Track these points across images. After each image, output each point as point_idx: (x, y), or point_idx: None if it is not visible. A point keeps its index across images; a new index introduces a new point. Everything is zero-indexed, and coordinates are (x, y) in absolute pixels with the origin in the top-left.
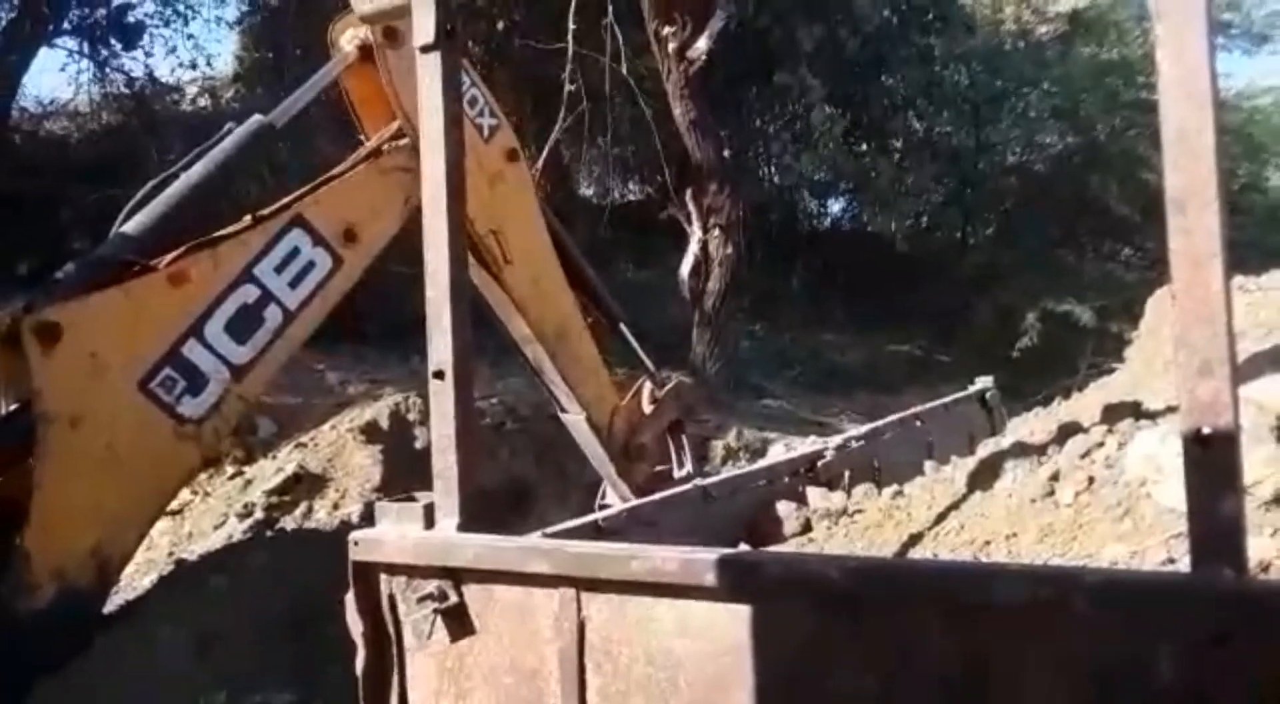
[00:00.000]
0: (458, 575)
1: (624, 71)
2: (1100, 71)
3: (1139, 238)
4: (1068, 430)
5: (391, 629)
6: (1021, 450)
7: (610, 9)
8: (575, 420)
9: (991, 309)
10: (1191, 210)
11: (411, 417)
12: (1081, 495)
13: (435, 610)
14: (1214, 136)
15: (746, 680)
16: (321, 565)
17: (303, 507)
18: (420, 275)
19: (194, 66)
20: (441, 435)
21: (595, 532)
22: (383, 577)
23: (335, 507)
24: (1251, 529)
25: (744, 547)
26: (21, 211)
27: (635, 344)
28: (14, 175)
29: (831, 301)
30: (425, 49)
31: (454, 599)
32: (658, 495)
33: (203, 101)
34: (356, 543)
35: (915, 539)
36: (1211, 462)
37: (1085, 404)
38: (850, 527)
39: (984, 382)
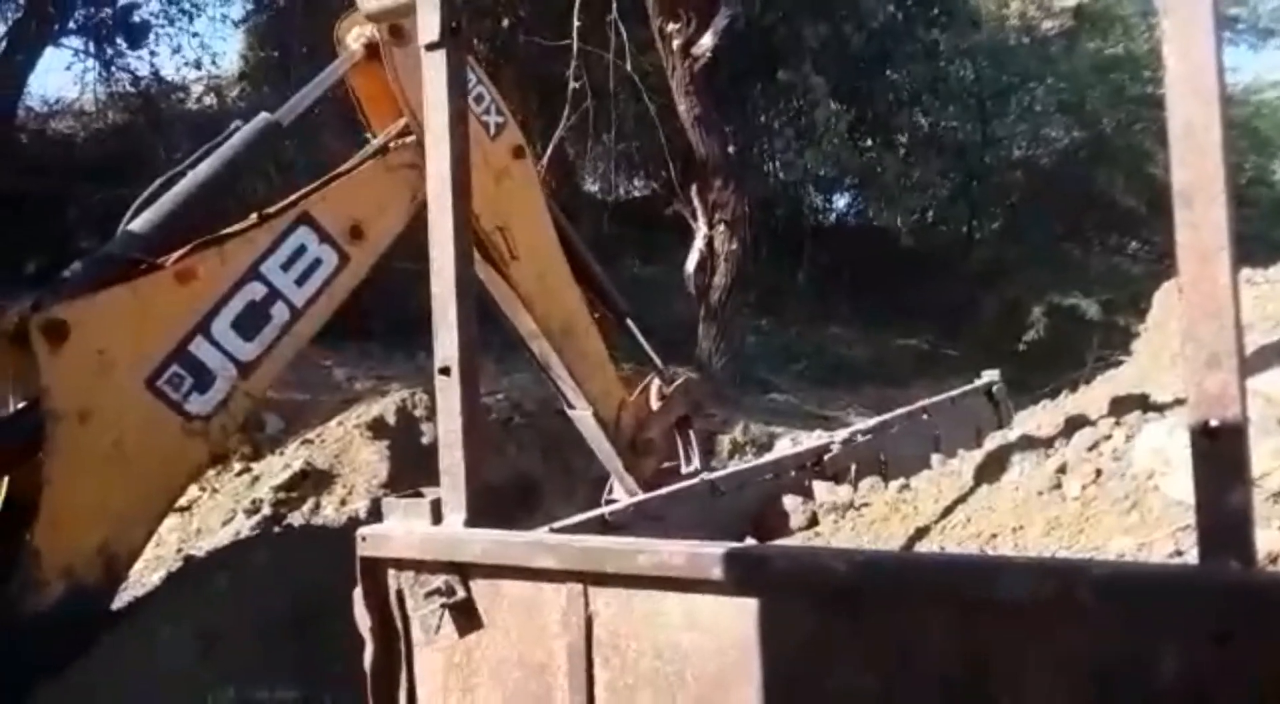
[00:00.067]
0: (465, 570)
1: (628, 68)
2: (1106, 66)
3: (1145, 231)
4: (1075, 423)
5: (399, 624)
6: (1028, 443)
7: (615, 6)
8: (582, 416)
9: (998, 303)
10: (1199, 204)
11: (418, 412)
12: (1089, 488)
13: (443, 605)
14: (1221, 131)
15: (754, 674)
16: (329, 561)
17: (310, 503)
18: (426, 272)
19: (199, 65)
20: (448, 431)
21: (602, 526)
22: (390, 572)
23: (342, 503)
24: (1259, 522)
25: (750, 541)
26: (28, 210)
27: (642, 339)
28: (20, 174)
29: (837, 296)
30: (430, 46)
31: (461, 594)
32: (664, 490)
33: (208, 100)
34: (364, 538)
35: (922, 533)
36: (1219, 454)
37: (1092, 397)
38: (857, 520)
39: (990, 375)
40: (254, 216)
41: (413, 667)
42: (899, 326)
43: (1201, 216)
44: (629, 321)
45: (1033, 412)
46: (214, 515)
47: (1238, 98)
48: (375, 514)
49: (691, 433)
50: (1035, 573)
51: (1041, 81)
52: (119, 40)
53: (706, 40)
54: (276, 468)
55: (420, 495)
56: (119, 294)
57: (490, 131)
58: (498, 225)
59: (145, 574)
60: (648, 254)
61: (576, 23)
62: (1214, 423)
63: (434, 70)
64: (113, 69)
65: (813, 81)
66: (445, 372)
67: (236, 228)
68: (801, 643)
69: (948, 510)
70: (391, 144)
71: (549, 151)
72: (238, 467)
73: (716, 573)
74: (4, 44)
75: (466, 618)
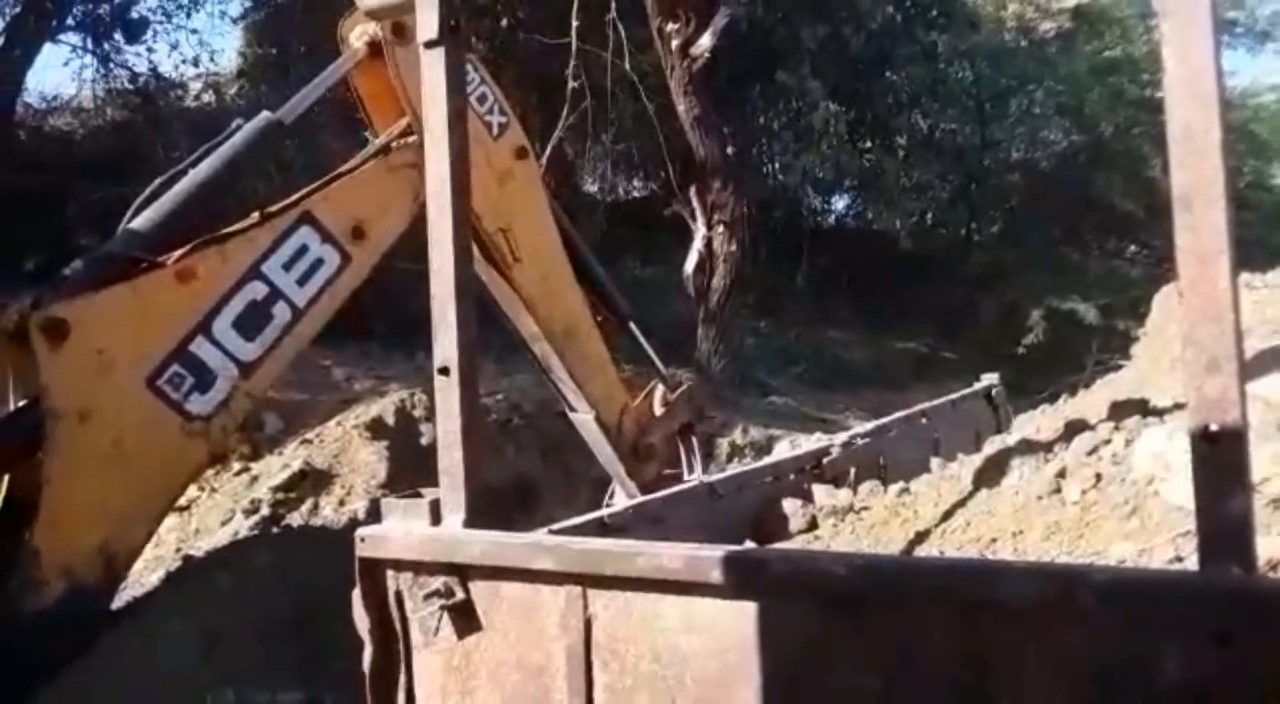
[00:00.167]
0: (464, 572)
1: (627, 68)
2: (1104, 69)
3: (1144, 235)
4: (1074, 428)
5: (398, 626)
6: (1028, 448)
7: (614, 5)
8: (584, 419)
9: (997, 306)
10: (1198, 207)
11: (417, 413)
12: (1088, 493)
13: (442, 607)
14: (1220, 134)
15: (752, 677)
16: (327, 562)
17: (309, 503)
18: (426, 272)
19: (197, 62)
20: (447, 432)
21: (601, 528)
22: (389, 573)
23: (341, 503)
24: (1260, 527)
25: (750, 544)
26: (27, 208)
27: (645, 343)
28: (19, 171)
29: (836, 299)
30: (429, 44)
31: (460, 596)
32: (663, 492)
33: (207, 97)
34: (363, 539)
35: (921, 537)
36: (1219, 459)
37: (1092, 401)
38: (856, 524)
39: (990, 379)
40: (255, 216)
41: (411, 668)
42: (898, 329)
43: (1201, 220)
44: (631, 325)
45: (1032, 416)
46: (213, 515)
47: (1235, 102)
48: (374, 515)
49: (694, 440)
50: (1035, 578)
51: (1040, 84)
52: (117, 36)
53: (705, 40)
54: (275, 468)
55: (419, 496)
56: (119, 293)
57: (493, 131)
58: (500, 227)
59: (144, 574)
60: (646, 255)
61: (575, 22)
62: (1214, 427)
63: (433, 68)
64: (111, 65)
65: (809, 84)
66: (444, 372)
67: (238, 227)
68: (800, 646)
69: (947, 514)
70: (394, 143)
71: (548, 152)
72: (236, 466)
73: (715, 576)
74: (2, 40)
75: (465, 620)
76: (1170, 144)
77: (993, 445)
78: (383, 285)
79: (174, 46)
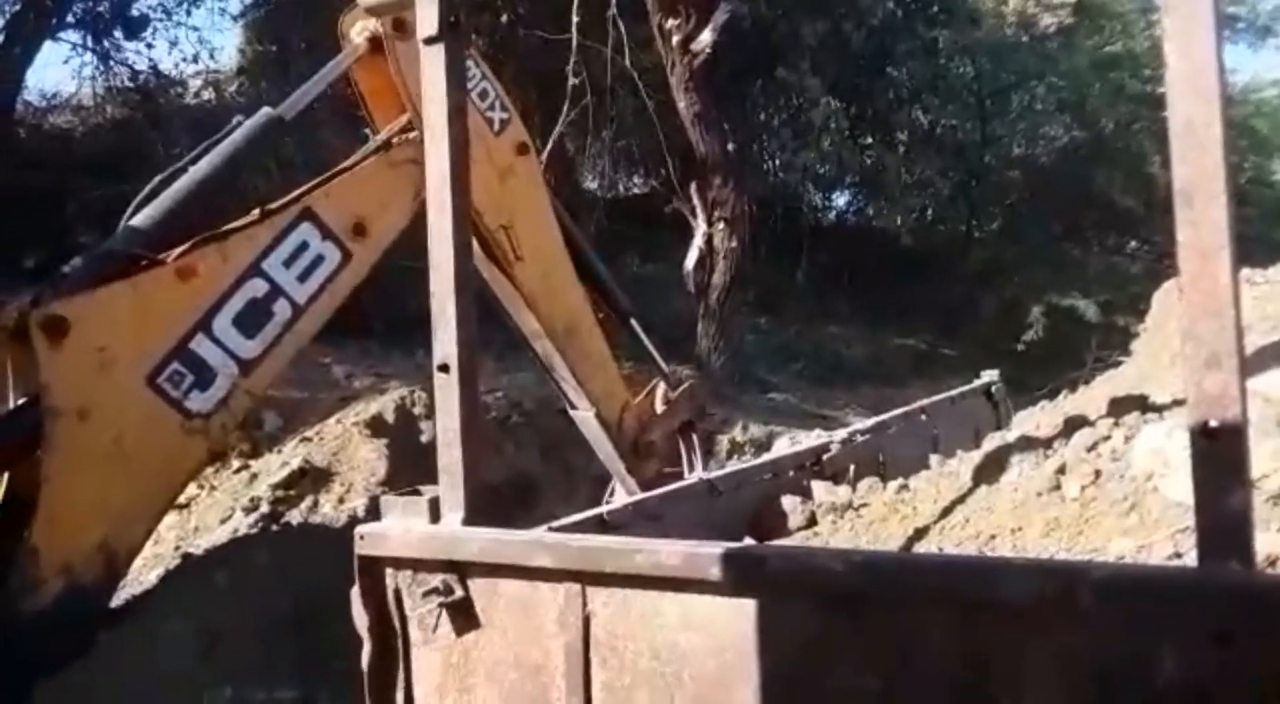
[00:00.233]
0: (463, 569)
1: (628, 64)
2: (1105, 64)
3: (1144, 231)
4: (1074, 424)
5: (397, 623)
6: (1027, 444)
7: (614, 1)
8: (584, 416)
9: (997, 303)
10: (1199, 203)
11: (417, 411)
12: (1088, 489)
13: (440, 605)
14: (1221, 129)
15: (751, 674)
16: (327, 560)
17: (308, 501)
18: (426, 269)
19: (196, 60)
20: (446, 429)
21: (600, 526)
22: (388, 571)
23: (340, 501)
24: (1259, 524)
25: (749, 541)
26: (27, 205)
27: (646, 341)
28: (19, 169)
29: (836, 295)
30: (429, 40)
31: (459, 593)
32: (662, 489)
33: (207, 95)
34: (362, 537)
35: (920, 533)
36: (1219, 455)
37: (1091, 397)
38: (855, 521)
39: (989, 375)
40: (256, 212)
41: (410, 666)
42: (898, 326)
43: (1202, 215)
44: (632, 322)
45: (1031, 412)
46: (212, 513)
47: (1236, 97)
48: (373, 512)
49: (695, 438)
50: (1035, 575)
51: (1041, 79)
52: (117, 34)
53: (706, 36)
54: (275, 466)
55: (418, 494)
56: (119, 290)
57: (494, 127)
58: (502, 223)
59: (144, 572)
60: (646, 252)
61: (575, 18)
62: (1213, 423)
63: (433, 64)
64: (111, 63)
65: (810, 81)
66: (444, 369)
67: (238, 224)
68: (799, 643)
69: (946, 511)
70: (394, 139)
71: (548, 148)
72: (236, 464)
73: (714, 573)
74: (2, 37)
75: (464, 617)
76: (1171, 139)
77: (992, 442)
78: (382, 283)
79: (174, 44)
